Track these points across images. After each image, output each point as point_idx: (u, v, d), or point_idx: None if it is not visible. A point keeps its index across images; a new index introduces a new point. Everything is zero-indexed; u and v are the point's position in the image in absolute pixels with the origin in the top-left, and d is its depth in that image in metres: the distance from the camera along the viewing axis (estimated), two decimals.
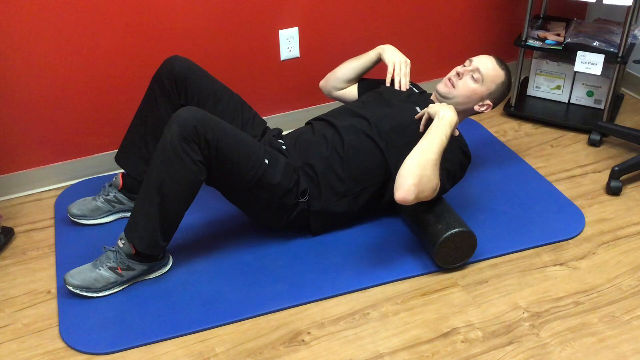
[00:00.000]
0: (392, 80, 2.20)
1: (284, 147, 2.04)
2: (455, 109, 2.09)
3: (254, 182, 1.88)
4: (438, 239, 1.90)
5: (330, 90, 2.33)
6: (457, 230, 1.90)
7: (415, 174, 1.79)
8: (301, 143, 2.05)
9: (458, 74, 2.09)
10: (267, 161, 1.90)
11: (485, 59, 2.10)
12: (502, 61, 2.13)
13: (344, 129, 2.03)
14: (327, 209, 2.02)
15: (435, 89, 2.15)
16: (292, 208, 1.98)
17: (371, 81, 2.30)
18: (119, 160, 2.16)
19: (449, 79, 2.11)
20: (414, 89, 2.23)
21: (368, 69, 2.28)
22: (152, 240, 1.84)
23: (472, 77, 2.07)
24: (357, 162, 2.00)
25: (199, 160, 1.77)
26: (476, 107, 2.12)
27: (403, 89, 2.16)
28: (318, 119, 2.17)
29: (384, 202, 2.08)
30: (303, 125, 2.21)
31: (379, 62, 2.25)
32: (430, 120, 1.94)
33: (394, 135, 2.00)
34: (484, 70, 2.07)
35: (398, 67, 2.17)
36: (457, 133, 1.97)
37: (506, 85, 2.13)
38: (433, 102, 2.13)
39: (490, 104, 2.13)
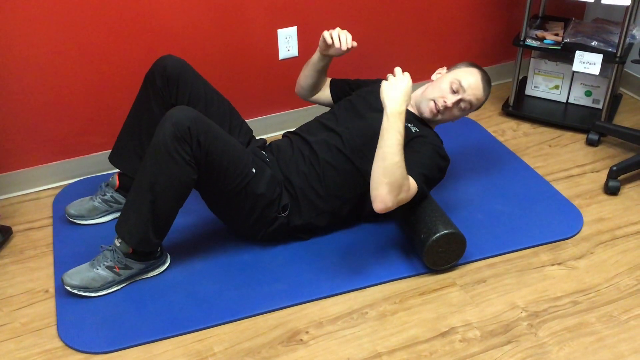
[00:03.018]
0: (364, 96, 2.16)
1: (267, 160, 2.03)
2: (435, 123, 2.11)
3: (238, 189, 1.87)
4: (424, 246, 1.91)
5: (304, 97, 2.30)
6: (439, 234, 1.89)
7: (385, 183, 1.76)
8: (281, 157, 2.04)
9: (447, 107, 2.02)
10: (254, 170, 1.89)
11: (475, 86, 2.03)
12: (485, 75, 2.09)
13: (317, 145, 2.02)
14: (308, 224, 2.03)
15: (418, 107, 2.10)
16: (272, 221, 1.98)
17: (343, 83, 2.26)
18: (113, 159, 2.15)
19: (436, 107, 2.03)
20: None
21: (319, 71, 2.18)
22: (143, 237, 1.83)
23: (461, 107, 2.04)
24: (333, 178, 1.99)
25: (190, 160, 1.77)
26: (456, 120, 2.14)
27: (349, 45, 1.99)
28: (293, 132, 2.15)
29: (366, 211, 2.06)
30: (297, 127, 2.19)
31: (330, 60, 2.15)
32: None
33: (367, 149, 1.96)
34: (475, 101, 2.05)
35: (336, 32, 1.99)
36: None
37: (486, 100, 2.12)
38: (411, 114, 2.10)
39: (472, 112, 2.16)
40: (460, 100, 2.03)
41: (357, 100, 2.14)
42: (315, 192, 1.99)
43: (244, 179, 1.87)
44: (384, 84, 1.81)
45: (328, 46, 2.05)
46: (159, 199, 1.79)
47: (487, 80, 2.09)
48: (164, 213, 1.83)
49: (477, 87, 2.05)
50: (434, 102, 2.03)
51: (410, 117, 2.08)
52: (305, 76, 2.23)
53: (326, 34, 2.01)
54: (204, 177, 1.83)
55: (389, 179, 1.76)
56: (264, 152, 2.07)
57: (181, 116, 1.75)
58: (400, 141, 1.77)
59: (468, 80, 2.04)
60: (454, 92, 2.03)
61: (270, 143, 2.15)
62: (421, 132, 2.02)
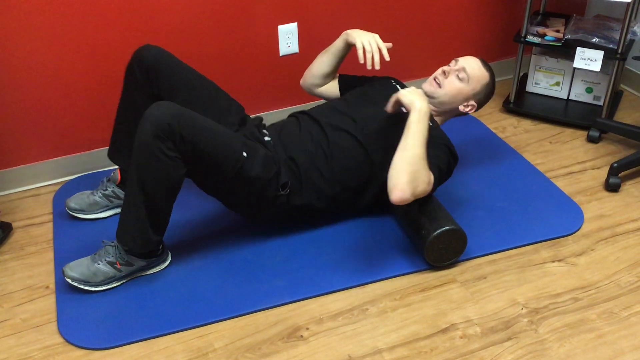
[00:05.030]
0: (374, 86, 2.16)
1: (267, 139, 2.00)
2: (440, 108, 2.12)
3: (232, 175, 1.84)
4: (425, 242, 1.91)
5: (310, 87, 2.27)
6: (440, 231, 1.89)
7: (407, 172, 1.77)
8: (286, 136, 2.02)
9: (444, 72, 2.07)
10: (245, 154, 1.85)
11: (471, 60, 2.10)
12: (486, 63, 2.14)
13: (328, 127, 2.01)
14: (307, 205, 2.01)
15: (421, 88, 2.11)
16: (272, 200, 1.95)
17: (352, 78, 2.26)
18: (112, 156, 2.15)
19: (435, 78, 2.09)
20: (398, 86, 2.21)
21: (340, 59, 2.19)
22: (144, 239, 1.83)
23: (458, 76, 2.06)
24: (341, 161, 1.98)
25: (176, 156, 1.74)
26: (461, 107, 2.11)
27: (377, 67, 2.02)
28: (302, 112, 2.12)
29: (363, 204, 2.07)
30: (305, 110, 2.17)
31: (350, 49, 2.15)
32: (398, 104, 1.93)
33: (380, 136, 1.98)
34: (470, 70, 2.07)
35: (367, 44, 2.01)
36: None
37: (490, 87, 2.14)
38: None
39: (475, 104, 2.12)
40: (456, 70, 2.06)
41: (370, 89, 2.15)
42: (320, 174, 1.98)
43: (236, 164, 1.83)
44: (403, 91, 1.90)
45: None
46: (151, 198, 1.78)
47: (487, 64, 2.13)
48: (159, 210, 1.82)
49: (472, 60, 2.09)
50: (434, 76, 2.09)
51: None
52: (321, 62, 2.21)
53: (364, 40, 2.01)
54: (195, 169, 1.82)
55: (411, 167, 1.78)
56: (265, 131, 2.04)
57: (159, 113, 1.71)
58: (425, 136, 1.82)
59: (464, 57, 2.12)
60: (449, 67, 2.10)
61: (274, 123, 2.12)
62: (433, 125, 2.03)
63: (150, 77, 1.99)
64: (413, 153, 1.79)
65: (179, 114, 1.74)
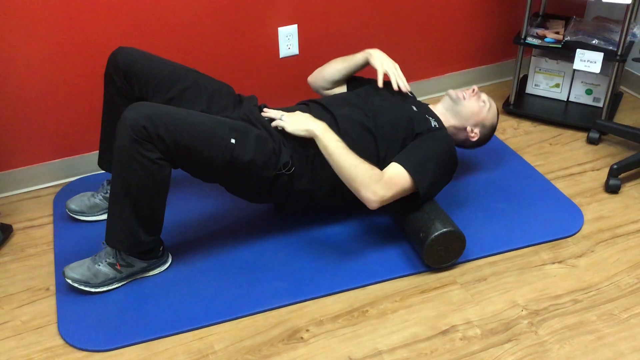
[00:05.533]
0: (385, 82, 2.19)
1: (266, 119, 1.97)
2: (453, 119, 2.16)
3: (224, 164, 1.80)
4: (423, 244, 1.91)
5: (318, 89, 2.28)
6: (438, 233, 1.89)
7: (357, 186, 1.84)
8: None
9: (473, 90, 2.18)
10: (233, 140, 1.81)
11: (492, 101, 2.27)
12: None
13: (340, 117, 2.00)
14: (308, 191, 1.98)
15: (447, 92, 2.18)
16: (273, 181, 1.91)
17: (361, 79, 2.26)
18: (101, 164, 2.15)
19: (465, 90, 2.18)
20: (410, 93, 2.22)
21: (355, 72, 2.22)
22: (133, 240, 1.83)
23: (483, 100, 2.17)
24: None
25: (158, 157, 1.72)
26: (468, 128, 2.16)
27: (404, 90, 2.10)
28: (313, 101, 2.11)
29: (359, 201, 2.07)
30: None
31: (366, 66, 2.18)
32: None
33: (389, 128, 1.98)
34: (490, 102, 2.21)
35: (392, 71, 2.11)
36: None
37: (492, 130, 2.25)
38: (432, 112, 2.13)
39: (478, 134, 2.18)
40: (481, 95, 2.19)
41: (381, 87, 2.15)
42: (327, 161, 1.94)
43: (225, 152, 1.79)
44: (288, 123, 1.90)
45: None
46: (137, 201, 1.77)
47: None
48: (149, 212, 1.81)
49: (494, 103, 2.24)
50: (464, 89, 2.19)
51: (434, 114, 2.11)
52: (336, 70, 2.21)
53: (387, 66, 2.10)
54: (185, 163, 1.80)
55: (356, 181, 1.83)
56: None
57: (134, 117, 1.69)
58: (342, 146, 1.85)
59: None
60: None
61: (283, 108, 2.09)
62: (440, 127, 2.06)
63: (129, 81, 1.97)
64: (347, 169, 1.83)
65: (153, 114, 1.71)
